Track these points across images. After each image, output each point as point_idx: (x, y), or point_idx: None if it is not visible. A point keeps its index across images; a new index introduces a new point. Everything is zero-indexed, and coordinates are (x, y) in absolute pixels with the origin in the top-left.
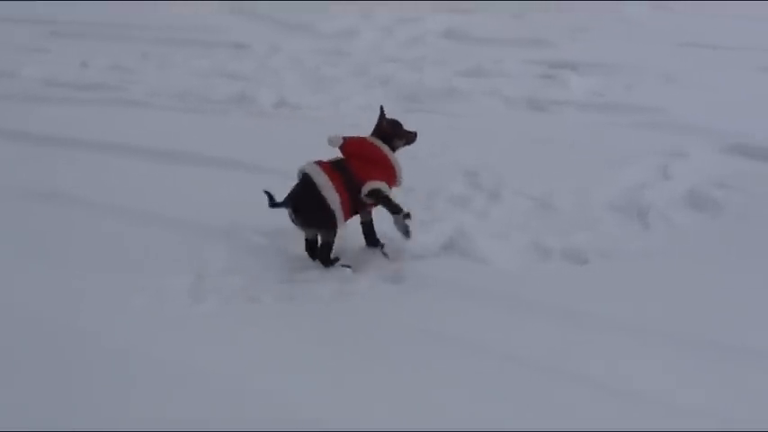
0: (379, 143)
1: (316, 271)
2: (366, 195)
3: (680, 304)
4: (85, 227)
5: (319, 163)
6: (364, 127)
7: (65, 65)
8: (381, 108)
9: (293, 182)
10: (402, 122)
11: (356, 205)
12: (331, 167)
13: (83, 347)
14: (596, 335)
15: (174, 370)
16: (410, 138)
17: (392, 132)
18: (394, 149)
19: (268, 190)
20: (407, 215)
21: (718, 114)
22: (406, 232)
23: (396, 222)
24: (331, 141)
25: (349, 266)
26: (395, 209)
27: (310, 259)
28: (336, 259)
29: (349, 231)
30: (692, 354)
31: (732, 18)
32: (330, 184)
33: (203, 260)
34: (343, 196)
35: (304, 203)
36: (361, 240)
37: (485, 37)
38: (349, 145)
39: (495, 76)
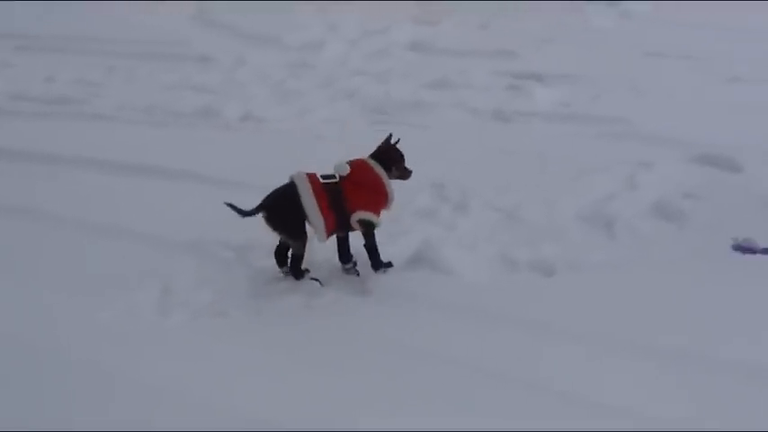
0: (376, 166)
1: (283, 284)
2: (357, 221)
3: (647, 315)
4: (53, 241)
5: (310, 177)
6: (329, 139)
7: (30, 79)
8: (390, 135)
9: (260, 195)
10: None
11: (341, 227)
12: (321, 187)
13: (52, 362)
14: (564, 346)
15: (144, 385)
16: (405, 174)
17: (393, 160)
18: (391, 177)
19: (230, 202)
20: (389, 264)
21: (684, 124)
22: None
23: (372, 264)
24: (337, 169)
25: (318, 280)
26: (372, 254)
27: (277, 267)
28: (306, 271)
29: (317, 244)
30: (660, 364)
31: (699, 28)
32: (314, 202)
33: (171, 274)
34: (329, 218)
35: (279, 208)
36: (331, 253)
37: (450, 48)
38: (347, 171)
39: (461, 88)
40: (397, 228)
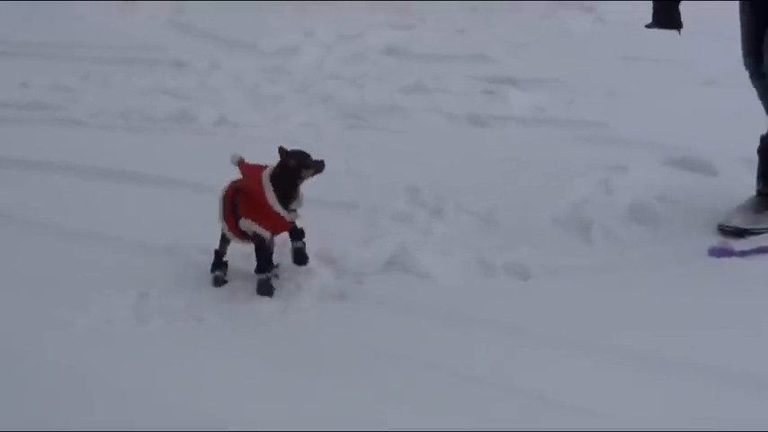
0: (266, 188)
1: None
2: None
3: (623, 318)
4: (28, 247)
5: (230, 183)
6: (304, 143)
7: (4, 85)
8: (280, 149)
9: None
10: (308, 152)
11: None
12: (231, 192)
13: (28, 368)
14: (541, 350)
15: (121, 389)
16: (318, 167)
17: (299, 165)
18: (301, 180)
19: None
20: (275, 276)
21: (660, 128)
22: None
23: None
24: (232, 159)
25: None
26: (259, 266)
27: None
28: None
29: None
30: (636, 367)
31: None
32: (221, 206)
33: (147, 279)
34: (230, 223)
35: None
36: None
37: (426, 53)
38: (242, 178)
39: (437, 92)
40: (372, 232)
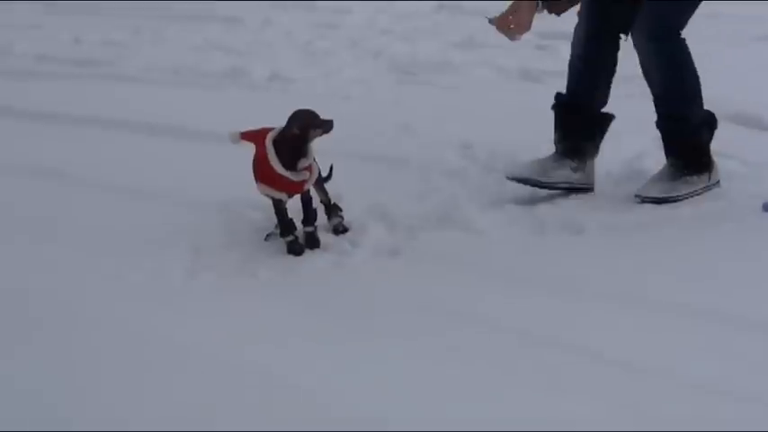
0: (269, 152)
1: None
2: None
3: (677, 274)
4: (78, 203)
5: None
6: (356, 99)
7: (57, 41)
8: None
9: None
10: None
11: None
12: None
13: (81, 322)
14: (596, 306)
15: (173, 344)
16: (327, 126)
17: (302, 132)
18: (310, 140)
19: None
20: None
21: (712, 83)
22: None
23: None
24: (230, 139)
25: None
26: (282, 230)
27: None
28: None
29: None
30: (694, 324)
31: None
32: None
33: (199, 235)
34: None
35: None
36: (358, 215)
37: (478, 8)
38: (248, 140)
39: (488, 48)
40: (424, 188)
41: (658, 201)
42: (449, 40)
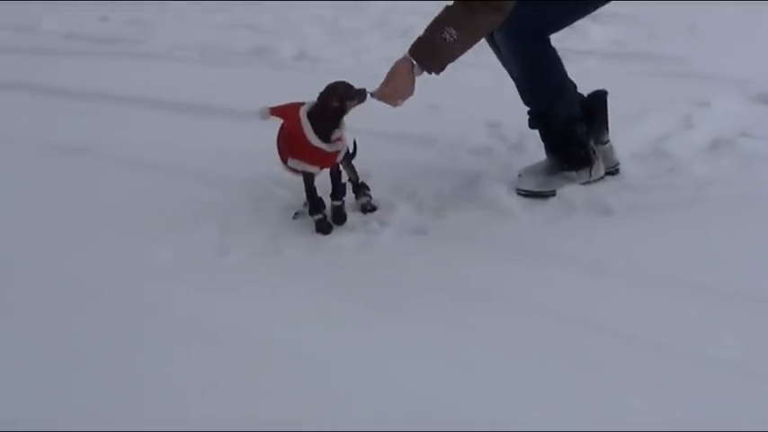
0: (304, 125)
1: None
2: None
3: (704, 254)
4: (107, 181)
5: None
6: (383, 78)
7: (84, 19)
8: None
9: None
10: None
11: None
12: (279, 133)
13: (112, 301)
14: (624, 286)
15: (204, 326)
16: (361, 96)
17: (342, 104)
18: (347, 111)
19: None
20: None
21: (742, 63)
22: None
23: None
24: (260, 115)
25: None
26: (311, 207)
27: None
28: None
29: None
30: (719, 306)
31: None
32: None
33: (227, 213)
34: (283, 162)
35: None
36: (385, 193)
37: None
38: (278, 115)
39: None
40: (452, 166)
41: (530, 194)
42: None
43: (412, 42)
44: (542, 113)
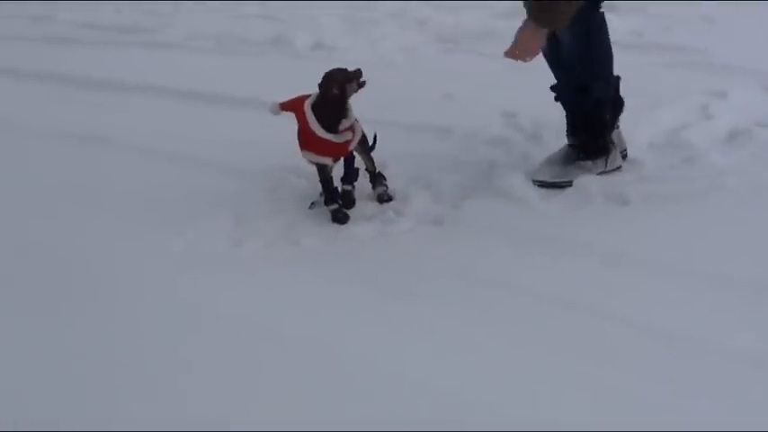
0: (309, 118)
1: (355, 212)
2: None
3: (722, 245)
4: (122, 170)
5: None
6: (399, 68)
7: (99, 8)
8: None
9: None
10: (347, 68)
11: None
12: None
13: (125, 291)
14: (639, 277)
15: (219, 316)
16: (358, 75)
17: (343, 80)
18: (348, 97)
19: None
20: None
21: (759, 54)
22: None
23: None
24: (270, 110)
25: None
26: (326, 198)
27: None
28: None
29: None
30: (734, 295)
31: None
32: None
33: (242, 203)
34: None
35: None
36: (402, 183)
37: None
38: (288, 110)
39: None
40: (468, 156)
41: (547, 185)
42: (493, 9)
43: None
44: (581, 87)
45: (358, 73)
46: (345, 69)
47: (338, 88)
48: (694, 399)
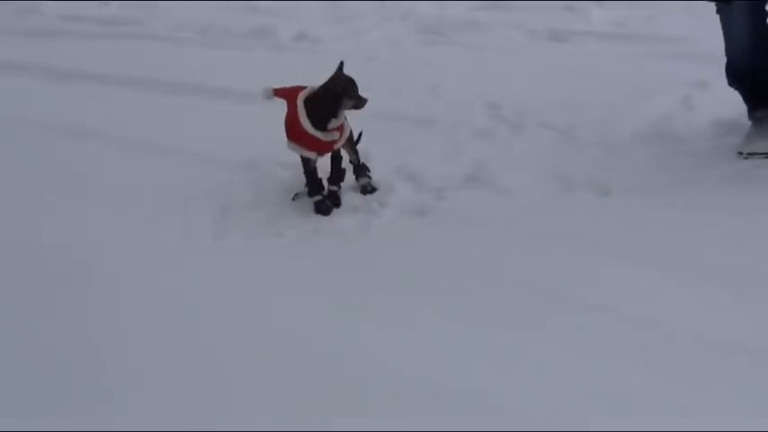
0: (300, 111)
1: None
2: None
3: (704, 235)
4: (108, 161)
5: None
6: (383, 59)
7: (86, 1)
8: (341, 64)
9: None
10: (357, 84)
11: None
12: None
13: (109, 284)
14: (620, 265)
15: (204, 307)
16: (359, 103)
17: (344, 92)
18: (340, 108)
19: None
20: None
21: None
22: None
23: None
24: (263, 95)
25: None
26: (309, 189)
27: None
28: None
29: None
30: (717, 284)
31: None
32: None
33: (227, 194)
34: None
35: None
36: (386, 175)
37: None
38: (281, 97)
39: (516, 8)
40: (451, 148)
41: (760, 155)
42: (475, 1)
43: None
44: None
45: (361, 101)
46: (354, 84)
47: (335, 93)
48: (685, 388)
